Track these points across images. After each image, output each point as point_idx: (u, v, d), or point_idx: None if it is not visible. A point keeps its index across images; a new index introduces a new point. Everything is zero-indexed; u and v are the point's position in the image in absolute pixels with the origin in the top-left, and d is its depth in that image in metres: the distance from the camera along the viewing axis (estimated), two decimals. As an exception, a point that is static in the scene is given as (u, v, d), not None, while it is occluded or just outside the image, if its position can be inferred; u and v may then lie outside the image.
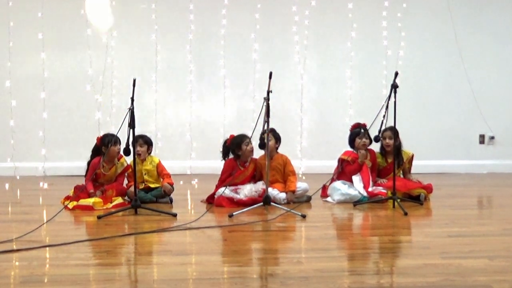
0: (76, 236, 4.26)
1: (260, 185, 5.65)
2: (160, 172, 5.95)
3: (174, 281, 3.20)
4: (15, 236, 4.15)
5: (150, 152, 6.04)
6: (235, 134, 5.84)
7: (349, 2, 8.19)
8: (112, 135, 5.65)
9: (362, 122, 6.12)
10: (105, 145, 5.66)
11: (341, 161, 6.05)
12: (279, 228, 4.68)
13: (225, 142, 5.88)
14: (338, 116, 8.11)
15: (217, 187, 5.74)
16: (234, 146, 5.76)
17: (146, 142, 5.98)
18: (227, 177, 5.71)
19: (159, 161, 6.02)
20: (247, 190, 5.59)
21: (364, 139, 5.99)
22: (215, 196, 5.57)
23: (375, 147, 6.15)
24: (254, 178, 5.89)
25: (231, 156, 5.86)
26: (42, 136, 7.65)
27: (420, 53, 8.40)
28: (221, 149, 5.92)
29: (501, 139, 8.61)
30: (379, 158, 6.18)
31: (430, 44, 8.43)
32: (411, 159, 6.26)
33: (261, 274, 3.44)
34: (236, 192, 5.61)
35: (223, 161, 5.89)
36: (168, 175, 5.93)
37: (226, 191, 5.53)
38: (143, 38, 8.00)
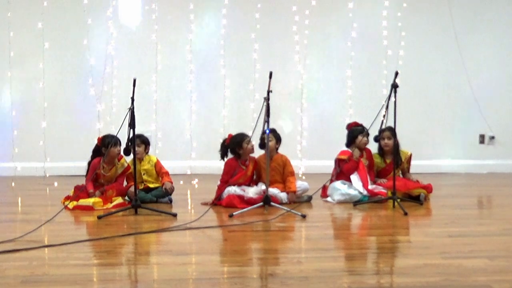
0: (76, 236, 4.26)
1: (263, 187, 5.64)
2: (159, 170, 5.96)
3: (174, 281, 3.20)
4: (15, 236, 4.15)
5: (148, 152, 6.05)
6: (235, 134, 5.83)
7: (349, 2, 8.19)
8: (113, 136, 5.64)
9: (360, 122, 6.13)
10: (105, 146, 5.65)
11: (338, 161, 6.06)
12: (279, 228, 4.68)
13: (224, 141, 5.84)
14: (338, 116, 8.11)
15: (220, 188, 5.73)
16: (234, 145, 5.74)
17: (143, 141, 5.98)
18: (230, 178, 5.70)
19: (157, 160, 6.03)
20: (251, 193, 5.58)
21: (366, 137, 6.00)
22: (223, 196, 5.55)
23: (373, 147, 6.15)
24: (253, 179, 5.89)
25: (230, 156, 5.84)
26: (42, 136, 7.66)
27: (420, 53, 8.40)
28: (219, 149, 5.87)
29: (501, 139, 8.61)
30: (377, 159, 6.19)
31: (430, 44, 8.43)
32: (409, 158, 6.27)
33: (261, 274, 3.44)
34: (244, 191, 5.59)
35: (222, 161, 5.87)
36: (167, 173, 5.95)
37: (236, 189, 5.52)
38: (143, 38, 8.01)
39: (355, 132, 6.06)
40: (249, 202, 5.42)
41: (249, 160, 5.85)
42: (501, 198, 6.52)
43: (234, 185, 5.62)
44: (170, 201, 5.80)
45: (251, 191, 5.59)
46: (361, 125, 6.09)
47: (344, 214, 5.37)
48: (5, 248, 3.84)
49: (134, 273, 3.49)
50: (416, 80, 8.32)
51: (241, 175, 5.72)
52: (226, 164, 5.81)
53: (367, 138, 6.00)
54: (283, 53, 8.19)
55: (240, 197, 5.50)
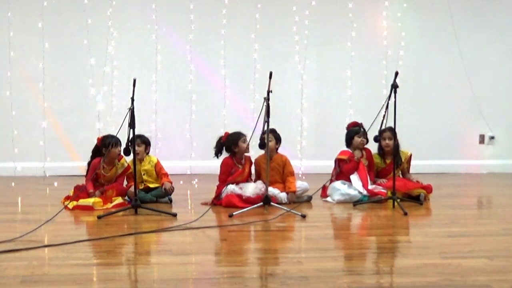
0: (76, 236, 4.26)
1: (262, 184, 5.64)
2: (159, 171, 5.96)
3: (174, 281, 3.20)
4: (15, 236, 4.15)
5: (148, 152, 6.05)
6: (231, 132, 5.83)
7: (349, 2, 8.20)
8: (113, 137, 5.63)
9: (360, 121, 6.12)
10: (105, 147, 5.64)
11: (338, 161, 6.06)
12: (279, 228, 4.68)
13: (220, 139, 5.81)
14: (338, 116, 8.11)
15: (219, 187, 5.73)
16: (230, 143, 5.74)
17: (143, 142, 5.98)
18: (227, 177, 5.71)
19: (158, 161, 6.03)
20: (251, 189, 5.57)
21: (363, 138, 6.00)
22: (222, 195, 5.56)
23: (373, 148, 6.15)
24: (251, 177, 5.89)
25: (225, 154, 5.83)
26: (42, 136, 7.66)
27: (420, 53, 8.41)
28: (214, 146, 5.83)
29: (501, 139, 8.61)
30: (377, 159, 6.18)
31: (430, 44, 8.43)
32: (409, 158, 6.27)
33: (261, 274, 3.44)
34: (242, 190, 5.59)
35: (216, 158, 5.84)
36: (166, 175, 5.95)
37: (234, 187, 5.52)
38: (143, 38, 8.01)
39: (351, 133, 6.06)
40: (248, 201, 5.43)
41: (245, 159, 5.85)
42: (501, 198, 6.52)
43: (232, 183, 5.62)
44: (170, 201, 5.80)
45: (250, 189, 5.58)
46: (359, 125, 6.08)
47: (344, 214, 5.37)
48: (5, 248, 3.84)
49: (134, 273, 3.49)
50: (416, 80, 8.33)
51: (238, 173, 5.72)
52: (222, 163, 5.81)
53: (366, 138, 6.00)
54: (283, 53, 8.20)
55: (239, 196, 5.50)
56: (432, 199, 5.95)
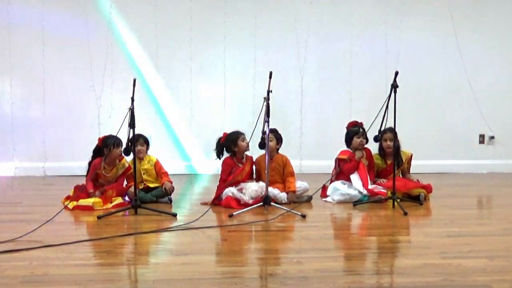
0: (76, 236, 4.26)
1: (262, 184, 5.64)
2: (159, 170, 5.97)
3: (174, 281, 3.20)
4: (15, 236, 4.15)
5: (147, 151, 6.06)
6: (229, 132, 5.83)
7: (349, 2, 8.20)
8: (114, 137, 5.62)
9: (360, 121, 6.12)
10: (107, 147, 5.63)
11: (338, 161, 6.05)
12: (279, 228, 4.68)
13: (219, 140, 5.81)
14: (338, 116, 8.11)
15: (219, 187, 5.72)
16: (230, 143, 5.74)
17: (145, 141, 6.00)
18: (228, 176, 5.71)
19: (157, 160, 6.04)
20: (251, 191, 5.56)
21: (362, 138, 6.00)
22: (223, 196, 5.55)
23: (373, 148, 6.14)
24: (252, 176, 5.89)
25: (226, 154, 5.83)
26: (42, 136, 7.66)
27: (420, 53, 8.40)
28: (215, 148, 5.82)
29: (501, 139, 8.61)
30: (378, 160, 6.18)
31: (430, 44, 8.43)
32: (409, 159, 6.27)
33: (261, 274, 3.45)
34: (241, 192, 5.58)
35: (219, 160, 5.85)
36: (166, 174, 5.95)
37: (234, 191, 5.52)
38: (143, 38, 8.01)
39: (351, 133, 6.06)
40: (246, 206, 5.42)
41: (246, 158, 5.84)
42: (501, 198, 6.52)
43: (232, 184, 5.61)
44: (170, 201, 5.80)
45: (251, 189, 5.56)
46: (359, 125, 6.06)
47: (344, 214, 5.37)
48: (5, 248, 3.84)
49: (134, 273, 3.49)
50: (416, 80, 8.32)
51: (238, 172, 5.72)
52: (223, 163, 5.81)
53: (365, 138, 5.99)
54: (283, 53, 8.20)
55: (237, 200, 5.49)
56: (432, 199, 5.95)
